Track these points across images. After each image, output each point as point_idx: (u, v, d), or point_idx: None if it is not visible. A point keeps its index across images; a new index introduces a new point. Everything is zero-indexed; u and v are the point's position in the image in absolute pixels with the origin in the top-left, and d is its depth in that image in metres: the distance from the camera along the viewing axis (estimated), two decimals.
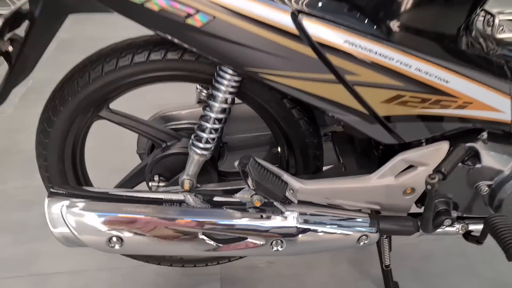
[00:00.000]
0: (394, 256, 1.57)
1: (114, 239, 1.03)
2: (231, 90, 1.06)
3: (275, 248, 1.10)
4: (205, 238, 1.07)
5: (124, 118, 1.21)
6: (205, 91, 1.35)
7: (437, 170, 1.03)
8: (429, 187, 1.02)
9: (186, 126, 1.31)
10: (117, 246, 1.04)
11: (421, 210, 1.15)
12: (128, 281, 1.55)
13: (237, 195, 1.13)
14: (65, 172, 1.22)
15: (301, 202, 1.14)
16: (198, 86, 1.37)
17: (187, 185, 1.15)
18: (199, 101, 1.38)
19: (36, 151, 1.20)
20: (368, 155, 1.28)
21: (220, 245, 1.08)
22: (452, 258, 1.59)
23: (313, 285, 1.52)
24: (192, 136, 1.13)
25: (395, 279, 1.48)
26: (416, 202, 1.26)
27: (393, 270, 1.49)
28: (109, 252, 1.09)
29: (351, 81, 0.97)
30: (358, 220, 1.16)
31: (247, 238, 1.09)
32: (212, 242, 1.08)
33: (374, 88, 0.98)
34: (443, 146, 1.11)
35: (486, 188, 1.15)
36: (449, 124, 1.09)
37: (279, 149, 1.30)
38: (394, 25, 0.98)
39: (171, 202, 1.08)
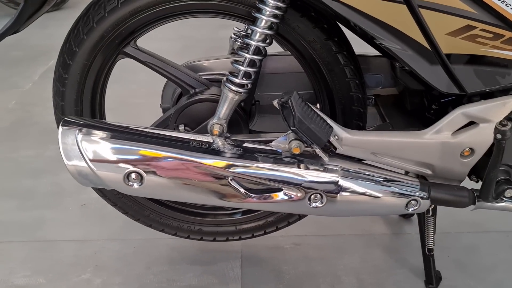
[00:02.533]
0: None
1: (133, 175, 0.91)
2: (276, 12, 0.94)
3: (314, 204, 0.97)
4: (234, 184, 0.93)
5: (151, 58, 1.10)
6: (239, 40, 1.24)
7: (509, 117, 0.89)
8: (498, 136, 0.88)
9: (217, 77, 1.19)
10: (136, 185, 0.92)
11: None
12: (140, 253, 1.42)
13: (273, 143, 1.00)
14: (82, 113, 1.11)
15: (346, 157, 1.01)
16: (232, 35, 1.26)
17: (216, 130, 1.03)
18: (232, 52, 1.26)
19: (53, 88, 1.10)
20: (418, 116, 1.14)
21: (251, 194, 0.95)
22: (499, 252, 1.42)
23: (343, 270, 1.36)
24: (227, 72, 1.02)
25: (439, 271, 1.32)
26: (470, 174, 1.12)
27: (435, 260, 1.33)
28: (125, 192, 0.96)
29: (417, 0, 0.84)
30: (407, 183, 1.02)
31: (282, 190, 0.95)
32: (242, 190, 0.94)
33: (442, 14, 0.86)
34: (511, 101, 0.98)
35: None
36: None
37: (318, 105, 1.17)
38: None
39: (199, 142, 0.96)
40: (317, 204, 0.96)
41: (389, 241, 1.47)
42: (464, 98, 1.02)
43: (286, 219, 1.30)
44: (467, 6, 0.85)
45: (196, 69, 1.21)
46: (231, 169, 0.93)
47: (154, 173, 0.91)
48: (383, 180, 1.00)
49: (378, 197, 0.99)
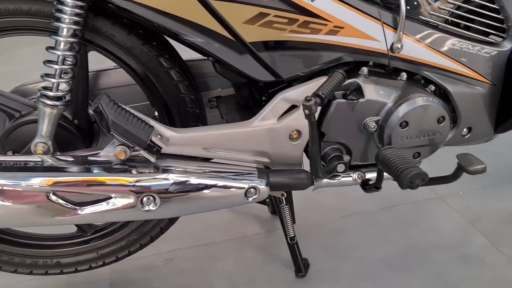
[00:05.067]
0: (303, 236, 1.46)
1: None
2: (76, 19, 0.93)
3: (146, 208, 0.95)
4: (57, 199, 0.89)
5: None
6: None
7: (314, 94, 0.95)
8: (306, 111, 0.93)
9: None
10: None
11: None
12: None
13: (101, 153, 0.97)
14: None
15: (180, 157, 1.01)
16: None
17: (39, 149, 0.98)
18: None
19: None
20: (255, 111, 1.18)
21: (78, 207, 0.90)
22: (363, 231, 1.50)
23: (217, 276, 1.35)
24: (40, 87, 0.98)
25: (307, 258, 1.36)
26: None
27: (304, 250, 1.37)
28: None
29: None
30: (244, 173, 1.04)
31: (111, 197, 0.92)
32: (68, 205, 0.90)
33: (234, 4, 0.90)
34: (323, 81, 1.04)
35: (374, 124, 1.09)
36: (325, 54, 1.02)
37: (156, 113, 1.16)
38: None
39: (15, 162, 0.90)
40: (150, 207, 0.94)
41: (261, 240, 1.49)
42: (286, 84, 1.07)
43: (148, 234, 1.26)
44: None
45: (25, 93, 1.16)
46: (51, 185, 0.89)
47: None
48: (218, 174, 1.01)
49: (215, 191, 0.99)
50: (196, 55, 1.13)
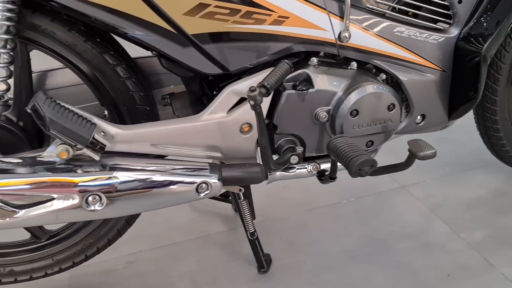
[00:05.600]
0: (266, 232, 1.45)
1: None
2: (8, 14, 0.89)
3: (92, 207, 0.92)
4: None
5: None
6: None
7: (259, 84, 0.94)
8: (251, 102, 0.92)
9: None
10: None
11: None
12: None
13: (44, 153, 0.94)
14: None
15: (129, 154, 0.99)
16: None
17: None
18: None
19: None
20: (205, 105, 1.16)
21: (18, 210, 0.87)
22: (326, 224, 1.49)
23: (177, 276, 1.32)
24: None
25: (269, 254, 1.35)
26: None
27: (267, 245, 1.36)
28: None
29: None
30: (195, 168, 1.02)
31: (53, 198, 0.89)
32: (9, 208, 0.87)
33: None
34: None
35: (325, 114, 1.08)
36: (272, 45, 1.02)
37: (106, 112, 1.14)
38: None
39: None
40: (96, 206, 0.92)
41: (225, 238, 1.47)
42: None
43: (105, 237, 1.23)
44: None
45: None
46: None
47: None
48: (167, 170, 0.99)
49: (164, 187, 0.97)
50: (147, 53, 1.12)
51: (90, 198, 0.91)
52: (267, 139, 0.99)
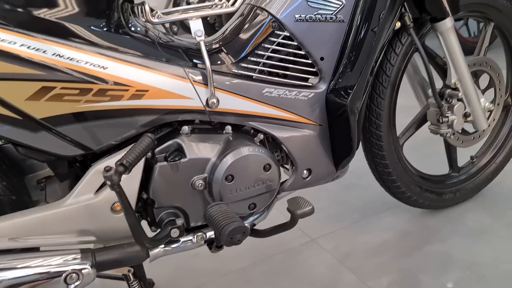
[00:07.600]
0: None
1: None
2: None
3: None
4: None
5: None
6: None
7: (117, 162, 0.90)
8: (108, 183, 0.88)
9: None
10: None
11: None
12: None
13: None
14: None
15: None
16: None
17: None
18: None
19: None
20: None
21: None
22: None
23: None
24: None
25: None
26: (151, 225, 1.11)
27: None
28: None
29: None
30: (63, 257, 0.95)
31: None
32: None
33: (8, 82, 0.84)
34: None
35: (201, 182, 1.06)
36: (136, 119, 0.99)
37: None
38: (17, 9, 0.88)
39: None
40: None
41: None
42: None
43: None
44: (31, 70, 0.85)
45: None
46: None
47: None
48: (30, 264, 0.91)
49: (26, 284, 0.89)
50: None
51: None
52: (135, 217, 0.94)
